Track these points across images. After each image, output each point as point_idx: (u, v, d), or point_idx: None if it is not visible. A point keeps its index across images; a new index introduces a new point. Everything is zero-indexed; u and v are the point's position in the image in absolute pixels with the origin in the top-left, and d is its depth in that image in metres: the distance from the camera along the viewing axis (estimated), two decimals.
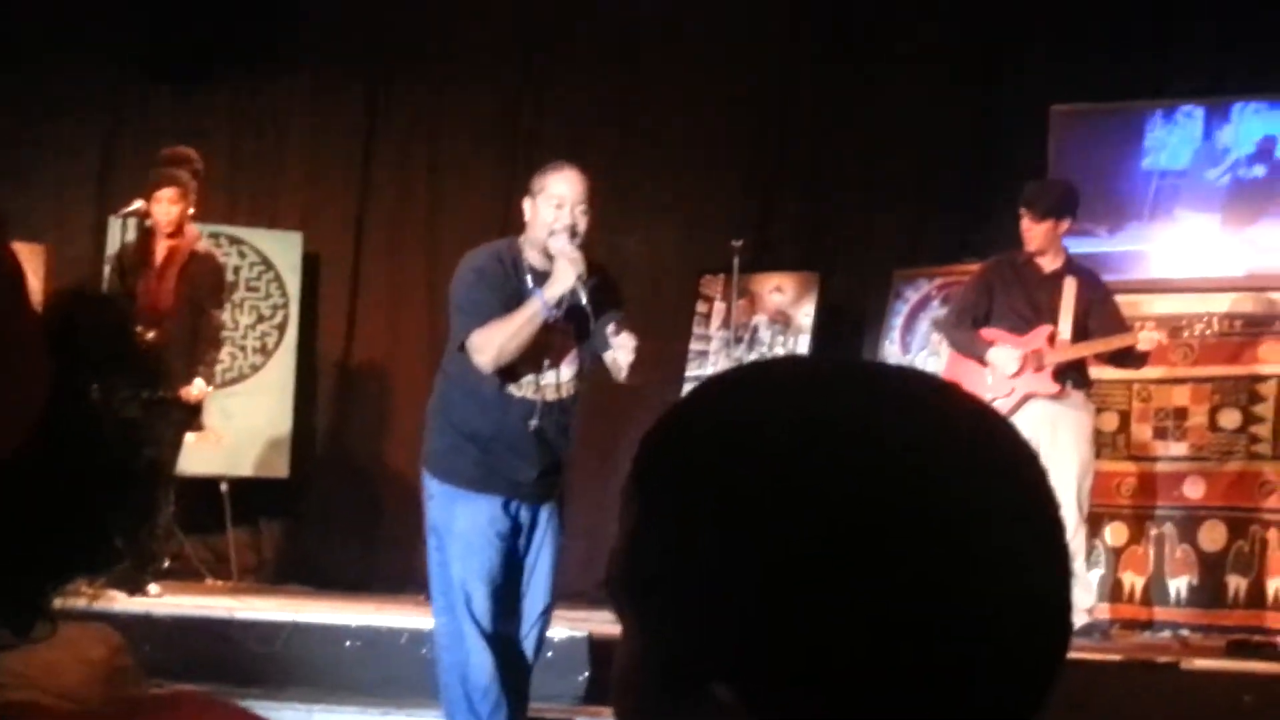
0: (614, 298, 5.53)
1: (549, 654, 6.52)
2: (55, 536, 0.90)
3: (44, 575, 0.91)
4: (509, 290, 5.38)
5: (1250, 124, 8.34)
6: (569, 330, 5.46)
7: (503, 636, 5.49)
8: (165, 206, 7.53)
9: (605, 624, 7.06)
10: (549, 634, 6.56)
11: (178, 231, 7.60)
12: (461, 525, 5.45)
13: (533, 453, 5.46)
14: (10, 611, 0.90)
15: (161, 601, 7.17)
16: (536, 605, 5.61)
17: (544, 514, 5.59)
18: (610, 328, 5.34)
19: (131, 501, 0.95)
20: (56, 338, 0.93)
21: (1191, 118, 8.44)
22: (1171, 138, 8.48)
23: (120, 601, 6.67)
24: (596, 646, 6.67)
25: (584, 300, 5.28)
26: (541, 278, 5.35)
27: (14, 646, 0.89)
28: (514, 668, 5.53)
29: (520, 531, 5.54)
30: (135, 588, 7.05)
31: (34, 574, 0.90)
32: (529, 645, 5.63)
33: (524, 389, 5.44)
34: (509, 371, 5.39)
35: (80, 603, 0.94)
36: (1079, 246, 7.43)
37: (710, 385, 0.96)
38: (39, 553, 0.90)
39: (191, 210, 7.66)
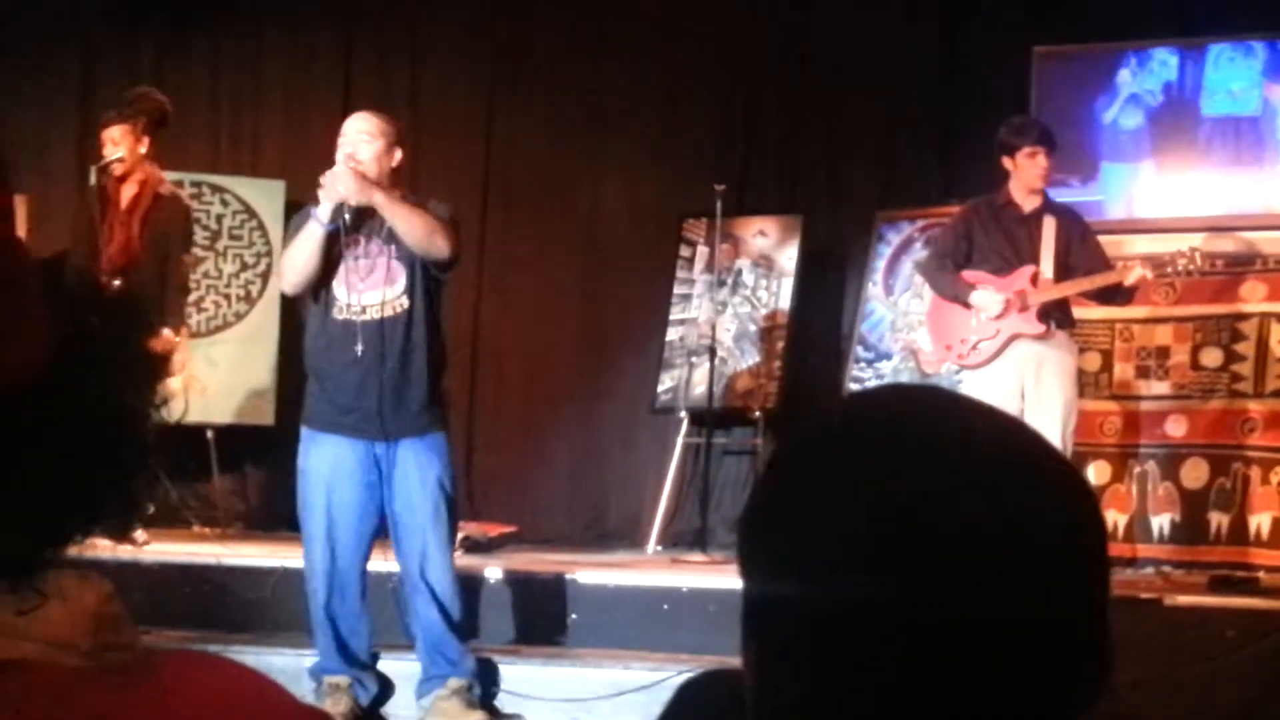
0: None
1: (535, 593, 6.54)
2: (63, 487, 0.90)
3: (49, 528, 0.91)
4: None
5: (1225, 71, 8.28)
6: (383, 250, 5.52)
7: (346, 574, 5.56)
8: (110, 148, 7.39)
9: (585, 566, 7.07)
10: (532, 575, 6.58)
11: (131, 173, 7.41)
12: (311, 464, 5.58)
13: (364, 381, 5.48)
14: (16, 566, 0.90)
15: (149, 549, 7.17)
16: (412, 545, 5.58)
17: (403, 452, 5.54)
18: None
19: (128, 448, 0.95)
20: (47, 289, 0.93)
21: (1165, 65, 8.39)
22: (1146, 83, 8.43)
23: (107, 549, 6.66)
24: (575, 588, 6.67)
25: (351, 208, 5.42)
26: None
27: (27, 606, 0.89)
28: (360, 601, 5.64)
29: (375, 471, 5.55)
30: (121, 535, 7.02)
31: (41, 527, 0.90)
32: (433, 584, 5.59)
33: (344, 312, 5.50)
34: (328, 297, 5.51)
35: (69, 551, 0.95)
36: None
37: (849, 418, 1.07)
38: (46, 505, 0.90)
39: (143, 149, 7.43)
